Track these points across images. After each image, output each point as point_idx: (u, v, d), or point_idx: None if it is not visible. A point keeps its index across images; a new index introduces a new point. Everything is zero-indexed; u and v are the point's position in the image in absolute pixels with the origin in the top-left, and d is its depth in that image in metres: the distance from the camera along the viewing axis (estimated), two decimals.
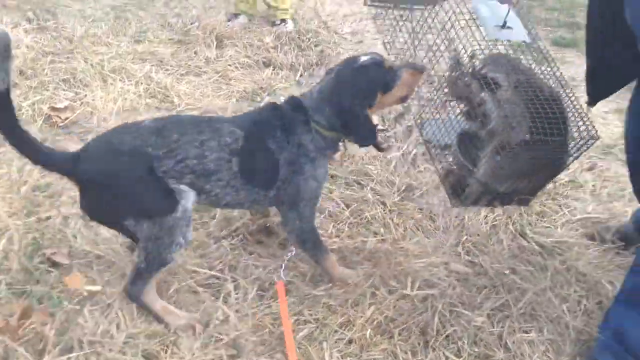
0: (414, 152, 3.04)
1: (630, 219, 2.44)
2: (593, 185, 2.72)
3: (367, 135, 2.00)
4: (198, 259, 2.20)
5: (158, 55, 3.80)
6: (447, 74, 2.11)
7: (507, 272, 2.22)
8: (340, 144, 2.09)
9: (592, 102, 2.01)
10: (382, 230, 2.49)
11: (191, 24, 4.25)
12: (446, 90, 2.14)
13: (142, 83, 3.41)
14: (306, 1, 4.96)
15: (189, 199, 1.87)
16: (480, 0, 2.15)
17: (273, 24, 4.39)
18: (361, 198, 2.67)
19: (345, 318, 2.01)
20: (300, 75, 3.81)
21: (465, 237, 2.47)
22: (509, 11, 2.04)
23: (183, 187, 1.85)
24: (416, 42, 2.25)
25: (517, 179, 2.04)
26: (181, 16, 4.43)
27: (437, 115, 2.25)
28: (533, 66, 2.03)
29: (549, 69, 2.02)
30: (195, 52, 3.91)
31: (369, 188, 2.75)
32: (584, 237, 2.44)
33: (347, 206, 2.63)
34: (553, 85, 1.97)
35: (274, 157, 1.95)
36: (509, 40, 2.06)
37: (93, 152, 1.85)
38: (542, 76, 2.01)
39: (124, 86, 3.36)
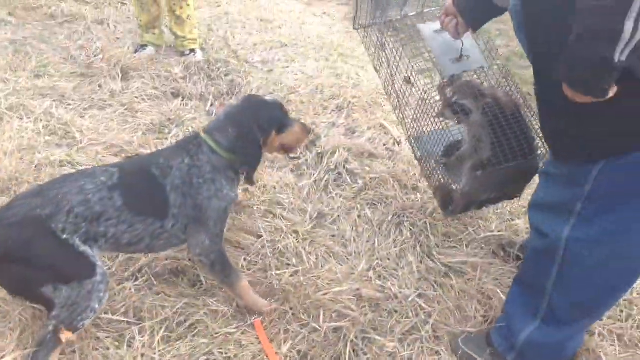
0: (325, 179, 3.05)
1: None
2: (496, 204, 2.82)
3: (252, 160, 2.11)
4: None
5: (59, 90, 3.63)
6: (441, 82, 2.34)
7: (413, 295, 2.26)
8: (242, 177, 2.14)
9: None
10: (294, 260, 2.48)
11: (95, 56, 4.12)
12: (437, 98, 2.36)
13: (41, 120, 3.25)
14: (215, 31, 4.91)
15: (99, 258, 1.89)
16: (432, 36, 2.28)
17: (182, 54, 4.32)
18: (273, 228, 2.65)
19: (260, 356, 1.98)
20: (211, 105, 3.76)
21: (376, 261, 2.50)
22: (463, 44, 2.24)
23: (87, 249, 1.85)
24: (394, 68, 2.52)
25: (496, 189, 2.32)
26: (85, 49, 4.27)
27: (431, 128, 2.47)
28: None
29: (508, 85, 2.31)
30: (100, 85, 3.77)
31: (281, 217, 2.74)
32: (488, 255, 2.52)
33: (259, 237, 2.60)
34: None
35: (157, 182, 1.98)
36: (465, 71, 2.28)
37: None
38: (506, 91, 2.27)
39: (22, 124, 3.20)
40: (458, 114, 2.22)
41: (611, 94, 1.34)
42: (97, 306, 1.85)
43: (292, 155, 3.24)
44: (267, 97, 2.21)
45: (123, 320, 2.06)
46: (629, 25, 1.18)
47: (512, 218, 2.77)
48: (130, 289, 2.19)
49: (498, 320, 2.05)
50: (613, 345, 2.16)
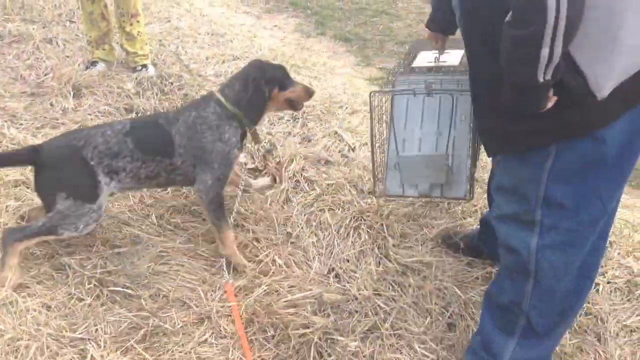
0: (284, 187, 3.11)
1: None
2: (448, 204, 2.93)
3: (254, 107, 2.55)
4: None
5: (10, 110, 3.58)
6: None
7: (372, 295, 2.34)
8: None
9: None
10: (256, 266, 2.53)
11: (45, 75, 4.07)
12: None
13: None
14: (167, 46, 4.91)
15: (104, 195, 2.39)
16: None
17: (134, 70, 4.30)
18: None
19: None
20: None
21: (336, 264, 2.57)
22: None
23: (104, 180, 2.38)
24: None
25: None
26: (34, 68, 4.22)
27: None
28: None
29: None
30: (51, 104, 3.73)
31: (242, 226, 2.78)
32: (442, 253, 2.62)
33: None
34: None
35: (163, 129, 2.46)
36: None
37: (45, 148, 2.39)
38: None
39: None
40: None
41: (550, 105, 1.46)
42: (81, 226, 2.33)
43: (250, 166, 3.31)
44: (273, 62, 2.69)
45: None
46: (544, 52, 1.31)
47: (463, 217, 2.88)
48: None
49: (473, 343, 2.07)
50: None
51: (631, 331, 2.28)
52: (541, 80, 1.36)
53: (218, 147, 2.46)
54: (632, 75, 1.48)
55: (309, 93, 2.70)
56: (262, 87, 2.52)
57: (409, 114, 2.47)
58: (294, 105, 2.71)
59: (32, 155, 2.37)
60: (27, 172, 2.99)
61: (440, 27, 2.24)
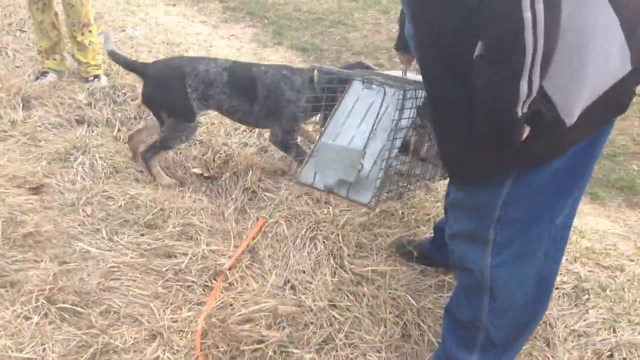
0: (241, 199, 3.10)
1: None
2: (402, 213, 2.96)
3: None
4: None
5: None
6: None
7: (327, 306, 2.34)
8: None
9: None
10: (211, 281, 2.50)
11: None
12: None
13: None
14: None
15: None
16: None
17: (86, 81, 4.22)
18: (191, 252, 2.65)
19: None
20: (118, 130, 3.70)
21: (291, 275, 2.56)
22: None
23: (196, 105, 3.02)
24: None
25: None
26: None
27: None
28: None
29: None
30: (0, 116, 3.64)
31: (196, 239, 2.75)
32: (396, 262, 2.64)
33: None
34: None
35: (253, 76, 2.99)
36: None
37: (155, 65, 3.11)
38: None
39: None
40: None
41: (524, 136, 1.43)
42: (183, 138, 3.09)
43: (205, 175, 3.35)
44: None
45: None
46: (523, 87, 1.28)
47: (417, 225, 2.91)
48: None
49: (438, 354, 2.07)
50: None
51: (579, 336, 2.34)
52: (519, 114, 1.34)
53: (291, 108, 2.96)
54: (598, 98, 1.46)
55: None
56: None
57: (352, 112, 2.46)
58: None
59: (143, 68, 3.07)
60: None
61: (405, 46, 2.30)
